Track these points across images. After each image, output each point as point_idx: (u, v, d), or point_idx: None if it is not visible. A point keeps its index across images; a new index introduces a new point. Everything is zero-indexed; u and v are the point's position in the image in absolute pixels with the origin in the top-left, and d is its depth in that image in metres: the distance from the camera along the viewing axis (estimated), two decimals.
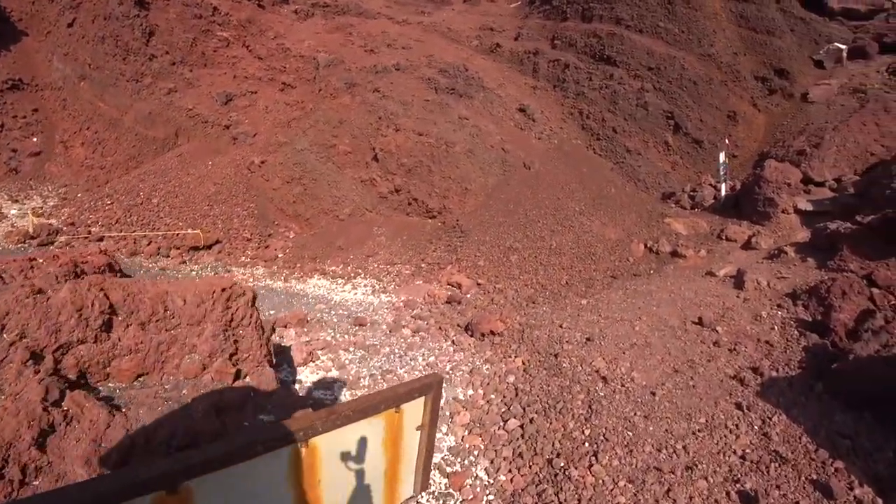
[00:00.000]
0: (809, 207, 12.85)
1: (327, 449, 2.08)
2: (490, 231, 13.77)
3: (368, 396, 2.32)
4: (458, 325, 8.82)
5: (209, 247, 14.29)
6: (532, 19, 24.47)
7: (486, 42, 23.20)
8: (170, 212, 15.66)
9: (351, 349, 7.41)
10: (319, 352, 7.10)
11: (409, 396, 2.28)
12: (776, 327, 8.55)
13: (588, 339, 8.43)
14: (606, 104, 18.99)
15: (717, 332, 8.68)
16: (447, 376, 7.07)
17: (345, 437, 2.12)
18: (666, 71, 18.91)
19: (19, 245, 13.27)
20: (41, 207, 16.71)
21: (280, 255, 14.10)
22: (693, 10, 19.85)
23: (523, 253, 12.67)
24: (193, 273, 12.71)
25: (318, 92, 20.29)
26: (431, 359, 7.54)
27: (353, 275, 12.75)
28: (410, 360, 7.39)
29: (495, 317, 8.73)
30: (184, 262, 13.47)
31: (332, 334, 8.02)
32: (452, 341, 8.22)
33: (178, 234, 14.28)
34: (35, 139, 20.25)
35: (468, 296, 11.04)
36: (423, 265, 12.88)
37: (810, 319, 8.56)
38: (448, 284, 11.60)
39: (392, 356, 7.36)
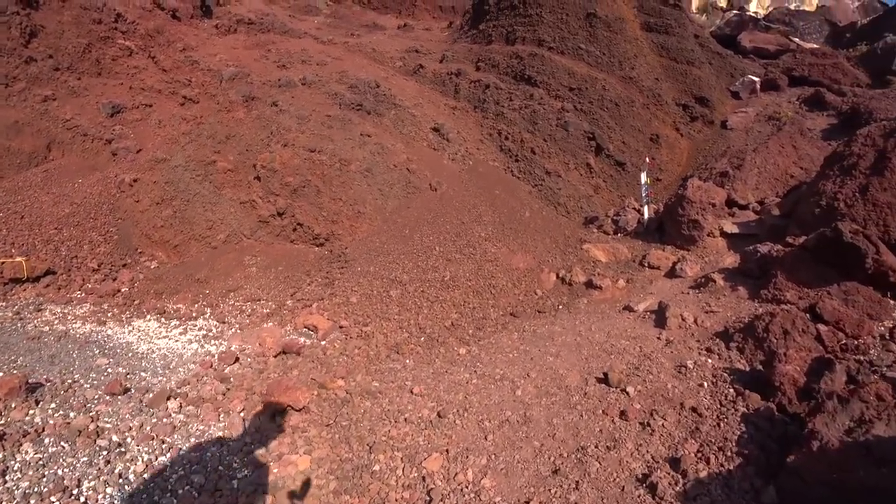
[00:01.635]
0: (736, 230, 10.72)
1: None
2: (377, 260, 10.98)
3: None
4: (259, 394, 5.92)
5: (36, 279, 10.91)
6: (460, 43, 22.35)
7: (411, 63, 20.84)
8: (6, 235, 12.19)
9: (48, 440, 4.41)
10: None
11: None
12: (706, 384, 6.01)
13: (439, 415, 5.65)
14: (526, 124, 16.72)
15: (627, 394, 6.10)
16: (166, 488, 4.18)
17: None
18: (587, 91, 16.86)
19: None
20: None
21: (123, 290, 10.88)
22: (614, 33, 18.04)
23: (409, 287, 9.88)
24: None
25: (217, 106, 17.31)
26: (164, 458, 4.59)
27: (195, 315, 9.64)
28: (129, 461, 4.41)
29: (305, 383, 5.97)
30: None
31: (48, 411, 5.01)
32: (225, 425, 5.30)
33: None
34: None
35: (323, 342, 8.12)
36: (289, 302, 9.92)
37: (748, 369, 6.11)
38: (304, 327, 8.66)
39: (107, 455, 4.36)
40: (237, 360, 7.21)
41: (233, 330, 8.84)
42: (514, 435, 5.40)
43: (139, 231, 13.00)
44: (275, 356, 7.30)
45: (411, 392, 6.21)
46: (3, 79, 16.94)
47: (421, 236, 11.68)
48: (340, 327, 8.64)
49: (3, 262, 11.08)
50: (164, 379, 6.56)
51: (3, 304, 10.04)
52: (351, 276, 10.53)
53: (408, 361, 7.45)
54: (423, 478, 4.70)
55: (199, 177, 13.59)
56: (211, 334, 8.62)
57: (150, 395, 5.73)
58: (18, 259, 11.10)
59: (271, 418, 5.29)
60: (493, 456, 5.04)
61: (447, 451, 5.05)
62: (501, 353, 7.50)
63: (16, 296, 10.48)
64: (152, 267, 12.16)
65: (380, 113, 16.22)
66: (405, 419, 5.54)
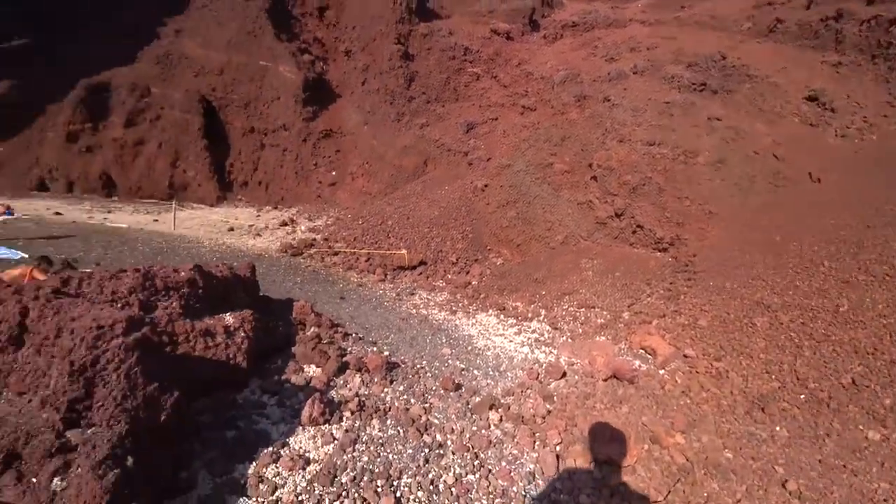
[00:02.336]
0: None
1: None
2: (735, 274, 8.88)
3: None
4: (580, 430, 5.09)
5: (413, 267, 13.41)
6: None
7: (763, 20, 16.69)
8: (397, 232, 15.53)
9: (389, 422, 4.76)
10: (347, 414, 4.67)
11: None
12: None
13: None
14: None
15: None
16: None
17: None
18: None
19: (281, 254, 14.93)
20: (320, 225, 18.88)
21: (473, 283, 12.19)
22: None
23: (781, 315, 7.50)
24: (381, 292, 11.83)
25: (551, 110, 17.83)
26: (472, 477, 4.27)
27: (530, 315, 9.82)
28: (443, 468, 4.28)
29: (635, 429, 4.83)
30: (383, 279, 12.87)
31: (397, 393, 5.54)
32: (538, 457, 4.71)
33: (390, 253, 13.84)
34: (333, 173, 23.63)
35: (661, 371, 6.86)
36: (625, 314, 9.03)
37: None
38: (640, 348, 7.58)
39: (426, 454, 4.39)
40: (564, 375, 6.74)
41: (564, 338, 8.57)
42: None
43: (488, 230, 14.46)
44: (604, 380, 6.50)
45: (783, 485, 4.38)
46: (396, 116, 21.96)
47: (800, 245, 8.87)
48: (685, 356, 7.17)
49: (393, 253, 14.11)
50: (492, 382, 6.58)
51: (391, 285, 12.59)
52: (700, 291, 8.81)
53: (778, 429, 5.43)
54: None
55: (539, 179, 14.12)
56: (542, 339, 8.57)
57: (477, 398, 5.76)
58: (403, 251, 13.90)
59: (587, 470, 4.48)
60: None
61: None
62: None
63: (399, 280, 13.04)
64: (498, 263, 13.30)
65: (729, 90, 13.44)
66: None
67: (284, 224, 19.89)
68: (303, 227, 18.99)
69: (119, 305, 4.51)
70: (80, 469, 2.60)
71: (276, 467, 3.82)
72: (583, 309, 9.66)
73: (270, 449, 4.02)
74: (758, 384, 6.33)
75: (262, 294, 7.08)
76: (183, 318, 4.81)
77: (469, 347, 8.06)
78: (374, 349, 6.73)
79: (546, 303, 10.33)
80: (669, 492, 4.32)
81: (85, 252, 12.40)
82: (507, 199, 14.55)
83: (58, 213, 21.77)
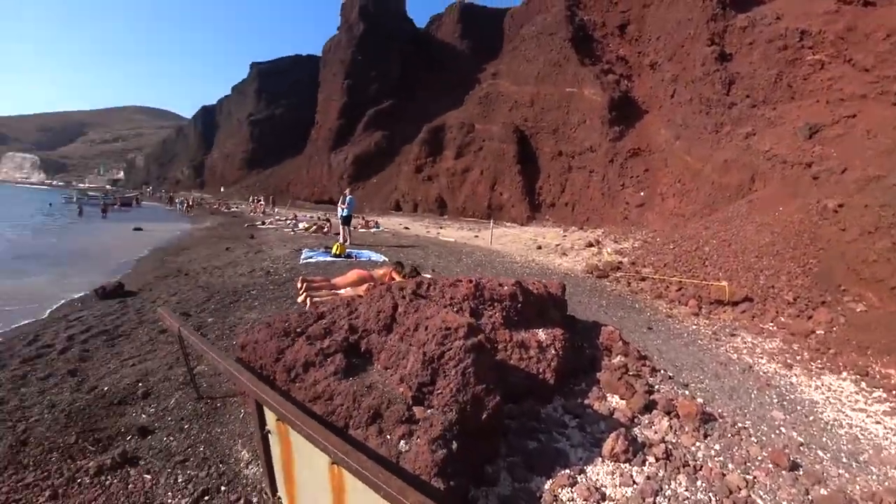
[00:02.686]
0: None
1: (352, 487, 2.35)
2: None
3: (383, 472, 2.26)
4: None
5: (735, 303, 12.25)
6: None
7: None
8: (715, 260, 14.50)
9: (700, 483, 4.14)
10: (651, 459, 4.33)
11: None
12: None
13: None
14: None
15: None
16: None
17: (362, 491, 2.23)
18: None
19: (587, 275, 16.02)
20: (627, 248, 19.26)
21: (818, 332, 10.26)
22: None
23: None
24: (694, 328, 11.19)
25: None
26: None
27: None
28: None
29: None
30: (696, 313, 12.08)
31: (711, 451, 4.77)
32: None
33: (706, 285, 13.06)
34: (642, 193, 23.47)
35: None
36: None
37: None
38: None
39: None
40: None
41: None
42: None
43: (844, 265, 11.95)
44: None
45: None
46: (713, 127, 20.17)
47: None
48: None
49: (710, 284, 13.15)
50: (846, 475, 5.03)
51: (707, 321, 11.64)
52: None
53: None
54: None
55: None
56: None
57: (822, 490, 4.41)
58: (723, 283, 12.78)
59: None
60: None
61: None
62: None
63: (716, 316, 11.99)
64: (857, 310, 10.84)
65: None
66: None
67: (590, 245, 21.04)
68: (608, 249, 19.74)
69: (455, 310, 5.56)
70: (418, 440, 3.44)
71: (572, 492, 3.99)
72: None
73: (568, 471, 4.22)
74: None
75: (568, 313, 7.50)
76: (503, 328, 5.61)
77: (811, 417, 6.61)
78: (686, 392, 6.33)
79: None
80: None
81: (424, 259, 16.10)
82: (876, 223, 11.72)
83: (406, 228, 28.84)
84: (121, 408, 5.02)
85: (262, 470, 3.76)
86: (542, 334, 5.76)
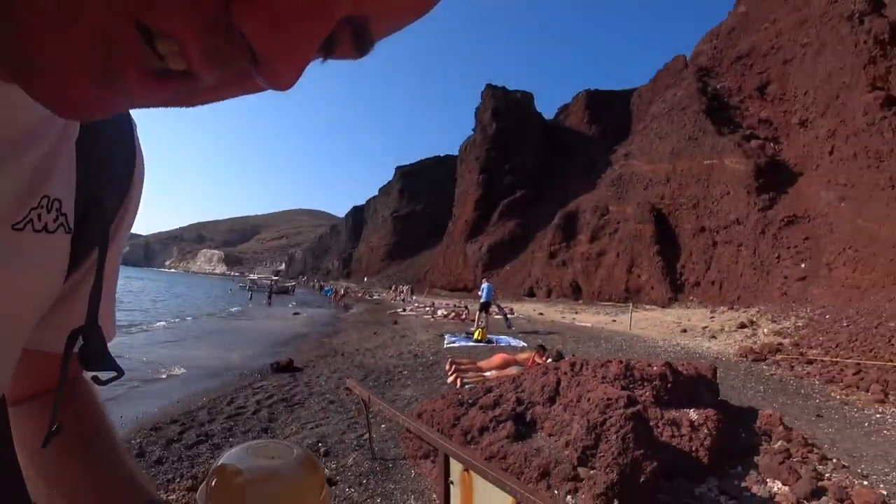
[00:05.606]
0: None
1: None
2: None
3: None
4: None
5: None
6: None
7: None
8: None
9: None
10: None
11: None
12: None
13: None
14: None
15: None
16: None
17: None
18: None
19: (740, 358, 14.50)
20: (787, 327, 17.13)
21: None
22: None
23: None
24: (879, 416, 9.44)
25: None
26: None
27: None
28: None
29: None
30: (882, 400, 10.00)
31: None
32: None
33: (893, 367, 11.12)
34: (803, 265, 21.01)
35: None
36: None
37: None
38: None
39: None
40: None
41: None
42: None
43: None
44: None
45: None
46: (886, 182, 17.94)
47: None
48: None
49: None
50: None
51: (895, 409, 9.84)
52: None
53: None
54: None
55: None
56: None
57: None
58: None
59: None
60: None
61: None
62: None
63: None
64: None
65: None
66: None
67: (743, 326, 19.10)
68: (765, 330, 17.70)
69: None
70: (583, 495, 4.04)
71: None
72: None
73: None
74: None
75: (720, 399, 7.38)
76: (653, 406, 5.94)
77: None
78: (866, 483, 5.67)
79: None
80: None
81: (562, 344, 16.10)
82: None
83: (540, 314, 28.81)
84: None
85: None
86: (693, 414, 6.02)
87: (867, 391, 11.09)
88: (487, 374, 9.75)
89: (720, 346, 17.07)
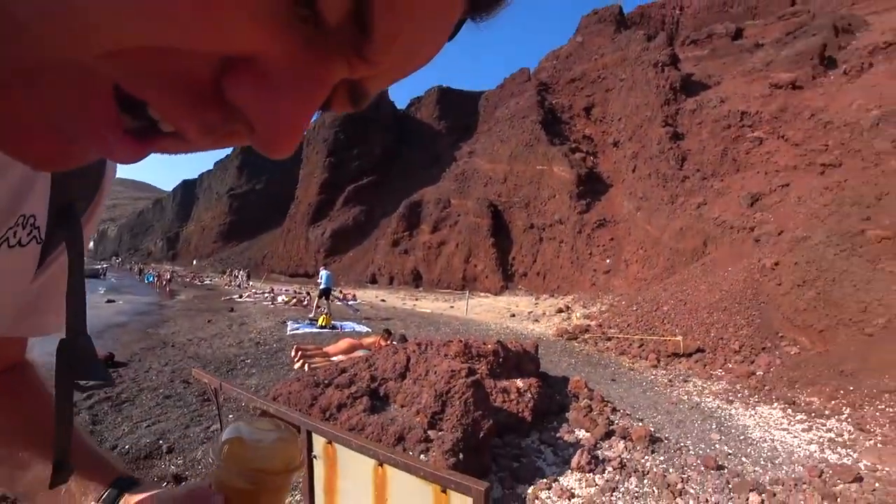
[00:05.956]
0: None
1: (393, 479, 2.97)
2: None
3: (421, 462, 3.24)
4: None
5: (689, 355, 13.48)
6: None
7: None
8: (672, 318, 15.87)
9: (646, 482, 5.34)
10: (609, 469, 5.59)
11: (453, 486, 2.62)
12: None
13: None
14: None
15: None
16: None
17: (405, 480, 2.89)
18: None
19: (557, 338, 17.10)
20: (594, 312, 20.55)
21: (758, 374, 11.50)
22: None
23: None
24: (653, 377, 12.38)
25: (861, 164, 15.64)
26: None
27: (828, 413, 8.82)
28: None
29: None
30: (655, 365, 13.33)
31: (656, 461, 6.22)
32: None
33: (664, 340, 14.31)
34: (608, 261, 25.29)
35: None
36: None
37: None
38: None
39: None
40: (859, 479, 6.05)
41: (871, 442, 7.51)
42: None
43: (780, 315, 13.41)
44: None
45: None
46: (669, 198, 22.54)
47: None
48: None
49: (668, 340, 14.42)
50: (761, 471, 6.49)
51: (664, 371, 12.91)
52: None
53: None
54: None
55: (845, 252, 12.66)
56: (839, 440, 7.68)
57: (738, 479, 5.81)
58: (678, 338, 14.08)
59: None
60: None
61: None
62: None
63: (672, 367, 13.21)
64: (792, 353, 12.17)
65: None
66: None
67: (560, 311, 22.33)
68: (578, 314, 21.01)
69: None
70: (434, 453, 4.82)
71: (549, 493, 5.32)
72: None
73: (545, 480, 5.58)
74: None
75: (541, 370, 9.07)
76: (488, 378, 7.12)
77: (742, 437, 7.99)
78: (641, 424, 7.54)
79: (853, 400, 9.14)
80: None
81: (405, 329, 17.07)
82: (804, 277, 13.37)
83: (382, 300, 29.77)
84: (149, 461, 5.74)
85: (301, 496, 4.60)
86: (520, 382, 7.33)
87: (646, 360, 14.14)
88: (335, 358, 10.13)
89: (542, 328, 19.78)
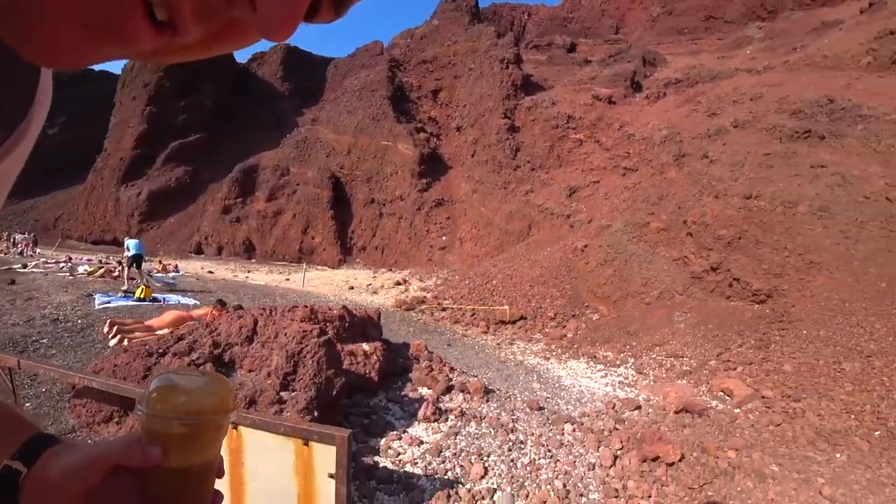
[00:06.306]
0: None
1: (250, 440, 2.85)
2: (833, 322, 9.17)
3: (279, 418, 3.10)
4: (637, 438, 6.16)
5: (514, 322, 15.02)
6: None
7: (885, 53, 16.45)
8: (501, 290, 17.39)
9: (484, 425, 6.36)
10: (451, 416, 6.45)
11: (316, 437, 2.57)
12: None
13: None
14: None
15: None
16: (532, 483, 5.14)
17: (263, 439, 2.81)
18: None
19: (396, 308, 17.52)
20: (430, 285, 21.48)
21: (568, 336, 13.43)
22: None
23: (875, 360, 7.76)
24: (483, 342, 13.62)
25: (651, 170, 18.94)
26: (543, 461, 5.67)
27: (618, 363, 10.86)
28: (521, 454, 5.73)
29: (688, 443, 5.76)
30: (486, 331, 14.67)
31: (491, 407, 7.11)
32: (599, 455, 5.91)
33: (493, 309, 15.66)
34: (444, 238, 26.60)
35: (736, 410, 7.50)
36: (712, 362, 9.67)
37: None
38: (719, 390, 8.24)
39: (510, 446, 5.92)
40: (638, 407, 7.82)
41: (646, 381, 9.51)
42: None
43: (586, 288, 15.66)
44: (675, 412, 7.41)
45: (819, 492, 5.00)
46: (503, 184, 24.55)
47: None
48: (762, 397, 7.74)
49: (496, 309, 15.88)
50: (572, 408, 8.00)
51: (493, 336, 14.35)
52: (792, 339, 9.24)
53: (838, 455, 5.91)
54: None
55: (635, 238, 15.21)
56: (626, 381, 9.64)
57: (555, 415, 7.25)
58: (505, 307, 15.61)
59: (640, 462, 5.60)
60: None
61: None
62: None
63: (500, 333, 14.71)
64: (594, 318, 14.38)
65: (838, 134, 13.61)
66: None
67: (398, 284, 22.87)
68: (415, 287, 21.75)
69: None
70: (288, 412, 4.66)
71: (400, 442, 5.73)
72: (670, 358, 10.43)
73: (395, 432, 6.00)
74: (832, 421, 6.80)
75: (383, 337, 9.35)
76: (336, 341, 7.09)
77: (556, 385, 9.52)
78: (475, 378, 8.53)
79: (636, 352, 11.23)
80: (705, 484, 5.25)
81: (240, 300, 15.98)
82: (605, 258, 15.75)
83: (210, 272, 27.28)
84: None
85: None
86: (366, 346, 7.61)
87: (477, 327, 15.34)
88: (160, 332, 9.08)
89: (381, 300, 20.05)
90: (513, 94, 28.41)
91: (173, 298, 14.60)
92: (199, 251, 40.84)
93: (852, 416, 6.88)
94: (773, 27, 28.59)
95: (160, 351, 5.56)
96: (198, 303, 14.27)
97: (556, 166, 24.31)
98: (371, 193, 33.33)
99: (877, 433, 6.44)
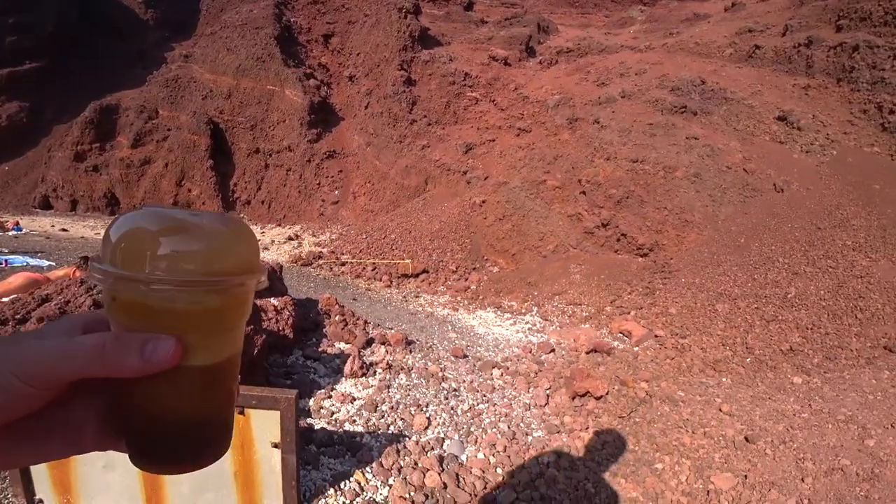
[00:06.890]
0: None
1: None
2: (704, 272, 10.40)
3: None
4: (564, 377, 6.59)
5: (416, 275, 14.91)
6: (809, 4, 18.63)
7: (743, 47, 18.64)
8: (400, 245, 17.09)
9: (414, 376, 6.29)
10: (379, 371, 6.25)
11: (255, 403, 2.25)
12: None
13: (747, 439, 5.14)
14: None
15: None
16: (477, 426, 5.23)
17: None
18: None
19: (292, 264, 16.48)
20: (325, 240, 20.45)
21: (472, 287, 13.68)
22: None
23: (739, 302, 9.01)
24: (388, 295, 13.36)
25: (545, 132, 19.62)
26: (482, 406, 5.80)
27: (524, 311, 11.36)
28: (459, 401, 5.80)
29: (608, 377, 6.28)
30: (389, 285, 14.42)
31: (416, 358, 7.00)
32: (532, 395, 6.24)
33: (395, 263, 15.36)
34: (336, 192, 25.36)
35: (635, 348, 8.33)
36: (607, 308, 10.51)
37: None
38: (619, 332, 9.02)
39: (446, 394, 5.90)
40: (553, 350, 8.30)
41: (553, 327, 10.09)
42: (847, 489, 4.37)
43: (486, 242, 15.99)
44: (586, 353, 8.00)
45: (719, 409, 5.80)
46: (398, 138, 23.82)
47: (760, 245, 10.42)
48: (655, 336, 8.66)
49: (397, 262, 15.63)
50: (493, 354, 8.27)
51: (397, 290, 14.17)
52: (673, 287, 10.33)
53: (724, 380, 6.92)
54: (708, 492, 4.43)
55: (532, 195, 15.73)
56: (535, 328, 10.13)
57: (481, 362, 7.44)
58: (407, 261, 15.43)
59: (571, 399, 5.98)
60: (806, 501, 4.25)
61: (745, 476, 4.54)
62: (857, 391, 6.16)
63: (404, 286, 14.58)
64: (494, 271, 14.79)
65: (707, 111, 15.20)
66: (704, 433, 5.22)
67: (291, 239, 21.45)
68: (308, 242, 20.57)
69: None
70: None
71: (331, 401, 5.32)
72: (570, 306, 11.13)
73: (323, 391, 5.55)
74: (714, 353, 7.80)
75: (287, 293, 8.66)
76: None
77: (472, 334, 9.65)
78: (393, 331, 8.31)
79: (538, 301, 11.78)
80: (632, 412, 5.77)
81: None
82: (504, 213, 16.13)
83: (64, 230, 23.36)
84: None
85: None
86: (275, 301, 6.93)
87: (380, 281, 14.94)
88: (5, 299, 7.46)
89: (273, 256, 18.63)
90: (410, 45, 27.36)
91: (19, 260, 12.28)
92: (46, 205, 34.33)
93: (727, 348, 7.90)
94: (653, 12, 30.86)
95: (18, 317, 4.44)
96: (53, 264, 12.22)
97: (451, 122, 24.16)
98: (256, 142, 30.39)
99: (748, 360, 7.49)
